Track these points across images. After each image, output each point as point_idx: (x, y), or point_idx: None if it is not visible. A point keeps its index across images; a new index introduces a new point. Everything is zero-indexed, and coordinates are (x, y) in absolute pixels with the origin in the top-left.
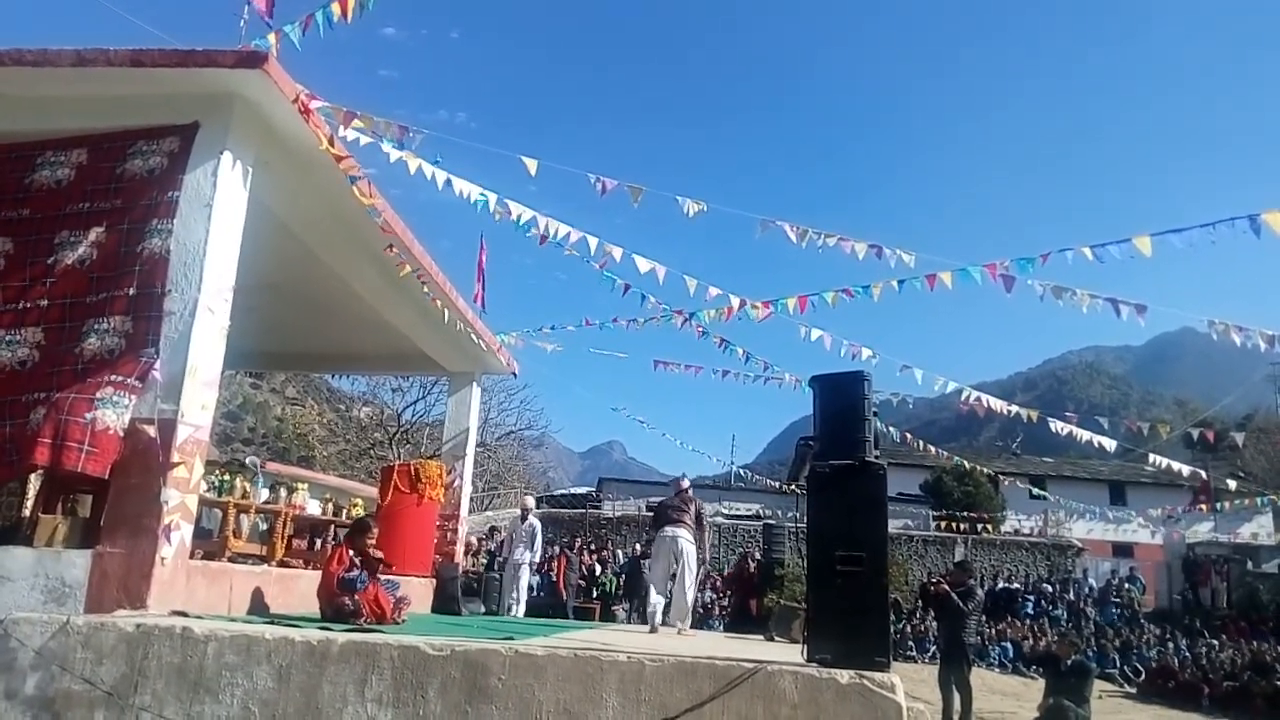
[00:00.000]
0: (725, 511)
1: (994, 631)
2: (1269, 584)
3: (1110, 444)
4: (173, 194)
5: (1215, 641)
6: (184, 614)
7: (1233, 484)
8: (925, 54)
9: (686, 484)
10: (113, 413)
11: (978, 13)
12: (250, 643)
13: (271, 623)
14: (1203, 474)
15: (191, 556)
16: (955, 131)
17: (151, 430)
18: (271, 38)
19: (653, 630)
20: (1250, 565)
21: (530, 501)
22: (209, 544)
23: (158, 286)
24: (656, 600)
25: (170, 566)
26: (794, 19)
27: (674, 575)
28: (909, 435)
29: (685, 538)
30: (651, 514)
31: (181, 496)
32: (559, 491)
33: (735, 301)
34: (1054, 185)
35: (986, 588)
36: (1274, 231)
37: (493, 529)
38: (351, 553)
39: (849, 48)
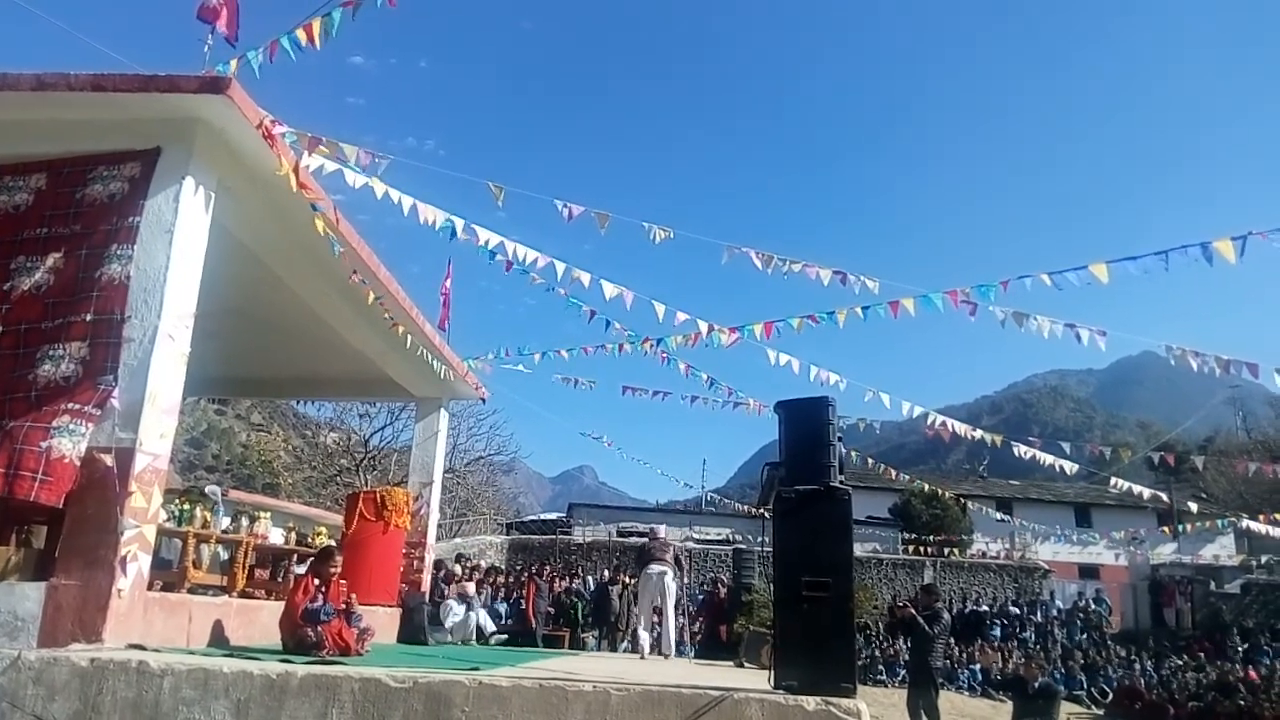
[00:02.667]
0: (696, 537)
1: (963, 654)
2: (1231, 604)
3: (1072, 467)
4: (133, 219)
5: (1180, 662)
6: (141, 647)
7: (1194, 506)
8: (898, 81)
9: (663, 532)
10: (69, 441)
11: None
12: (208, 676)
13: (231, 655)
14: (1163, 496)
15: (150, 588)
16: (927, 163)
17: (109, 459)
18: (233, 63)
19: (643, 658)
20: (1213, 586)
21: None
22: (168, 575)
23: (117, 313)
24: (644, 634)
25: (127, 599)
26: (767, 43)
27: (657, 609)
28: (870, 460)
29: (669, 575)
30: (635, 554)
31: (139, 526)
32: (529, 517)
33: (703, 327)
34: (1019, 208)
35: (955, 610)
36: (1225, 259)
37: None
38: (317, 582)
39: (825, 72)
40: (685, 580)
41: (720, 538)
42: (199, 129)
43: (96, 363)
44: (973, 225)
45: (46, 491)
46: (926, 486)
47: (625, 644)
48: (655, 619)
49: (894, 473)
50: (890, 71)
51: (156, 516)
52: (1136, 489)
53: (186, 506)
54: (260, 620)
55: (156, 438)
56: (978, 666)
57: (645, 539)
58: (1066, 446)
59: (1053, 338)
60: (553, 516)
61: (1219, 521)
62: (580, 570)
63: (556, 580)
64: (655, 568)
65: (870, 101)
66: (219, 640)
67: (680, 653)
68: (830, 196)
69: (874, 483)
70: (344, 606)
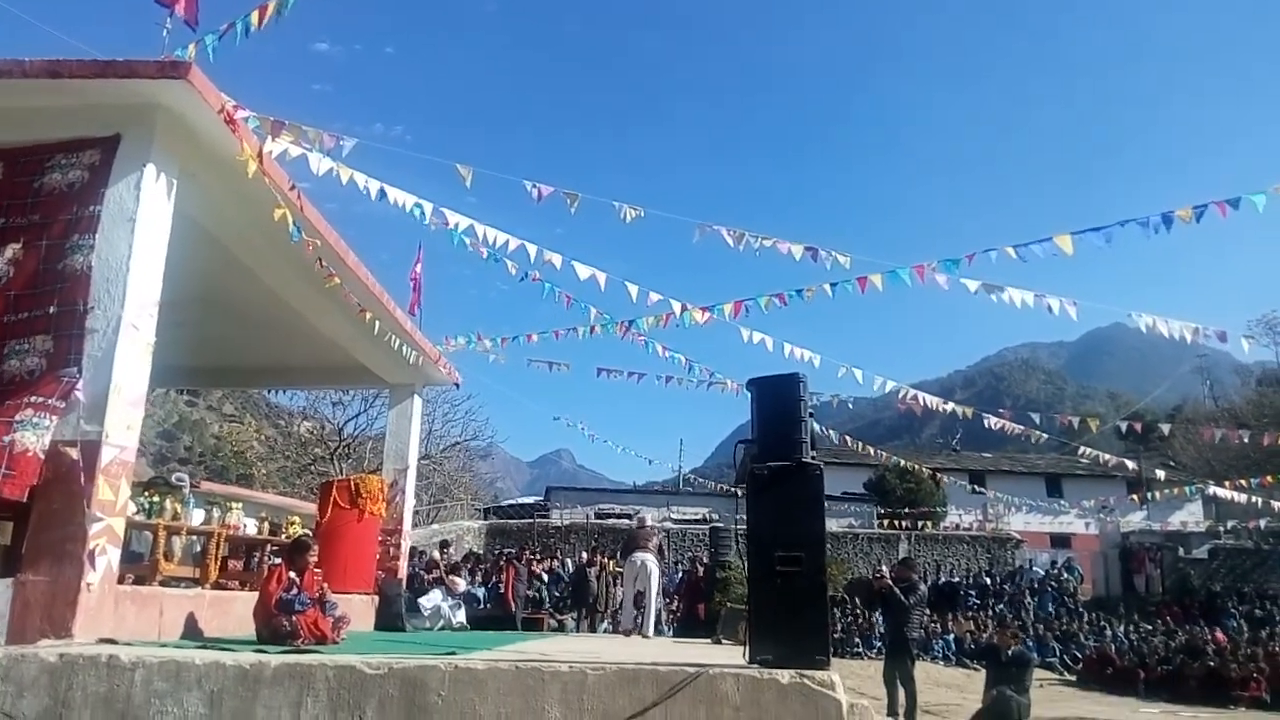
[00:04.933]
0: (674, 517)
1: (937, 625)
2: (1199, 569)
3: (1039, 436)
4: (94, 208)
5: (1150, 627)
6: (112, 641)
7: (1161, 474)
8: (866, 57)
9: (649, 520)
10: (32, 434)
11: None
12: (180, 669)
13: (204, 647)
14: (1129, 464)
15: (120, 581)
16: (898, 133)
17: (74, 452)
18: (191, 48)
19: (628, 635)
20: (1182, 552)
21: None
22: (139, 568)
23: (79, 304)
24: (629, 614)
25: (97, 593)
26: (737, 18)
27: (640, 592)
28: (847, 438)
29: (652, 562)
30: (622, 541)
31: (107, 520)
32: (507, 502)
33: (676, 307)
34: (991, 183)
35: (929, 582)
36: (1183, 223)
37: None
38: (291, 573)
39: (794, 45)
40: (665, 561)
41: (698, 517)
42: (159, 115)
43: (60, 355)
44: (948, 198)
45: (10, 486)
46: (901, 461)
47: (605, 625)
48: (638, 602)
49: (869, 449)
50: (855, 43)
51: (125, 509)
52: (1105, 457)
53: (156, 498)
54: (234, 611)
55: (123, 429)
56: (952, 636)
57: (631, 525)
58: (1036, 417)
59: (1025, 309)
60: (531, 500)
61: (1187, 488)
62: (559, 553)
63: (535, 563)
64: (639, 555)
65: (832, 83)
66: (192, 632)
67: (660, 633)
68: (801, 174)
69: (849, 458)
70: (319, 595)
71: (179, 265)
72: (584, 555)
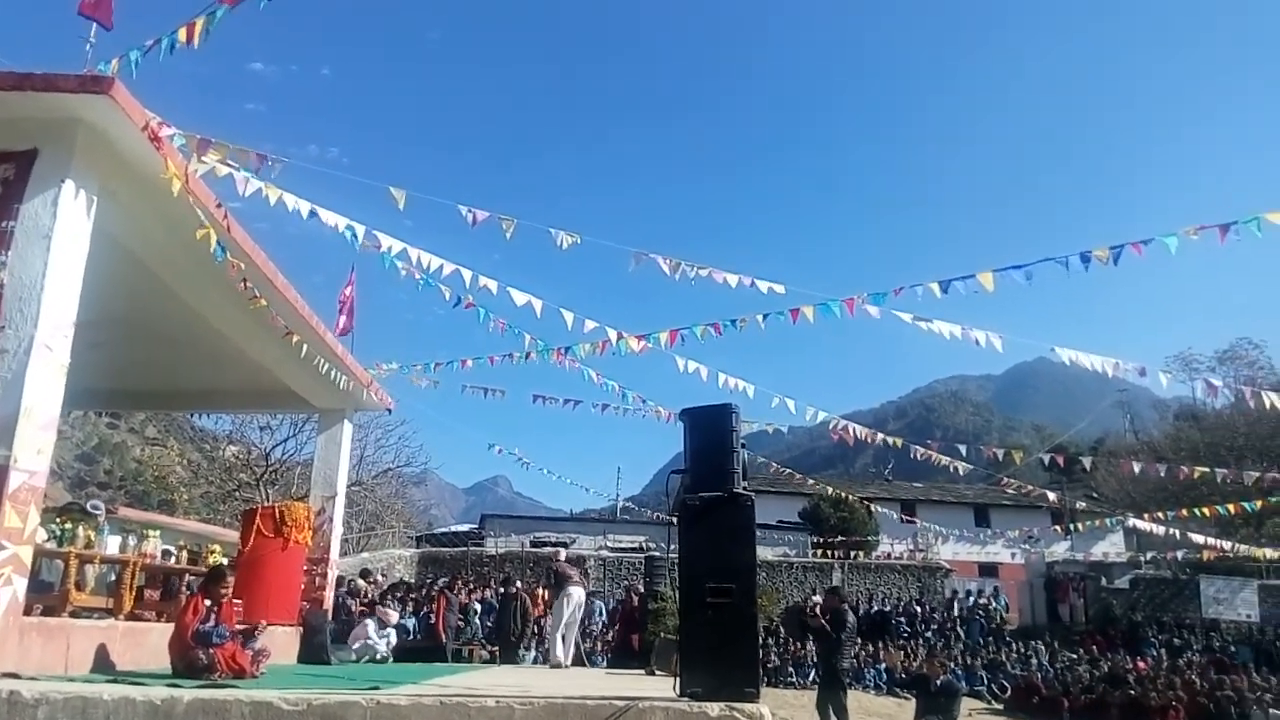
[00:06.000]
0: (610, 545)
1: (868, 654)
2: (1121, 599)
3: (965, 467)
4: (7, 224)
5: (1074, 655)
6: (15, 676)
7: (1083, 505)
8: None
9: (563, 555)
10: None
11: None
12: (86, 705)
13: (114, 681)
14: (1050, 495)
15: (27, 612)
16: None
17: None
18: (114, 63)
19: (555, 668)
20: (1104, 581)
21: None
22: (49, 598)
23: None
24: (558, 647)
25: (0, 625)
26: (687, 38)
27: (568, 624)
28: (774, 465)
29: (583, 595)
30: (550, 574)
31: (14, 549)
32: (440, 529)
33: (612, 335)
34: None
35: (860, 610)
36: (1100, 263)
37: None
38: (208, 602)
39: (750, 75)
40: (595, 577)
41: (634, 545)
42: (80, 130)
43: None
44: (897, 232)
45: None
46: (834, 490)
47: (530, 655)
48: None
49: (804, 478)
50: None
51: (33, 537)
52: (1029, 488)
53: (68, 525)
54: (149, 643)
55: (33, 454)
56: (883, 666)
57: (554, 560)
58: (963, 449)
59: (953, 341)
60: (465, 528)
61: (1108, 520)
62: (493, 582)
63: (469, 593)
64: (575, 590)
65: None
66: (103, 665)
67: (594, 664)
68: (737, 202)
69: (784, 487)
70: (240, 627)
71: (98, 285)
72: (501, 588)
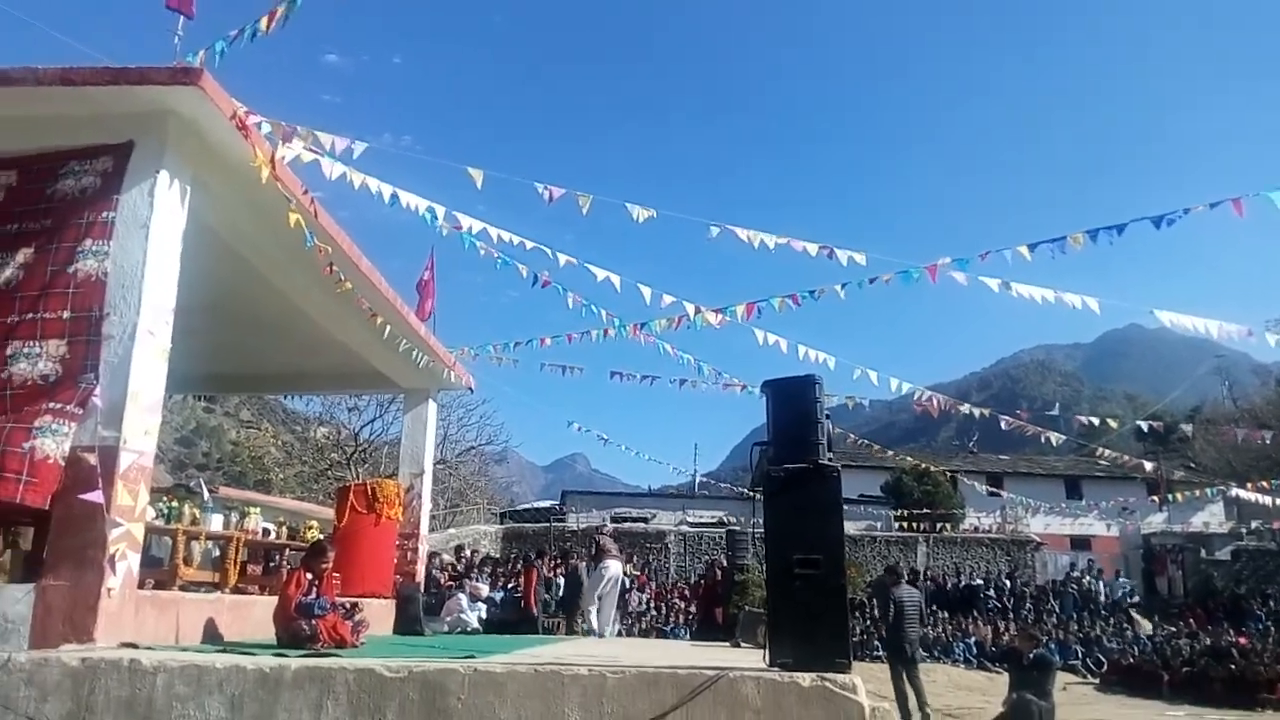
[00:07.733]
0: (690, 520)
1: (957, 629)
2: (1222, 571)
3: (1056, 438)
4: (108, 215)
5: (1173, 629)
6: (133, 646)
7: (1181, 475)
8: (886, 57)
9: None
10: (52, 441)
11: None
12: (201, 673)
13: (224, 651)
14: (1146, 465)
15: (140, 586)
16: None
17: (93, 458)
18: (200, 54)
19: (588, 635)
20: (1204, 553)
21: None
22: (159, 573)
23: (95, 310)
24: (595, 617)
25: (117, 598)
26: (753, 18)
27: (602, 596)
28: (853, 437)
29: (620, 570)
30: (593, 549)
31: (127, 525)
32: (522, 506)
33: (689, 309)
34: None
35: (949, 585)
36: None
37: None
38: (309, 576)
39: (810, 48)
40: (676, 552)
41: (714, 520)
42: (171, 121)
43: (76, 361)
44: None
45: (32, 493)
46: (918, 463)
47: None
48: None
49: (888, 452)
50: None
51: (144, 514)
52: (1124, 458)
53: (174, 504)
54: (254, 616)
55: (141, 435)
56: (972, 639)
57: (599, 533)
58: (1055, 417)
59: (1044, 306)
60: (546, 505)
61: (1208, 490)
62: (575, 556)
63: (551, 568)
64: (615, 565)
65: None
66: (212, 636)
67: (677, 636)
68: (813, 179)
69: (865, 461)
70: (338, 601)
71: (193, 271)
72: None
